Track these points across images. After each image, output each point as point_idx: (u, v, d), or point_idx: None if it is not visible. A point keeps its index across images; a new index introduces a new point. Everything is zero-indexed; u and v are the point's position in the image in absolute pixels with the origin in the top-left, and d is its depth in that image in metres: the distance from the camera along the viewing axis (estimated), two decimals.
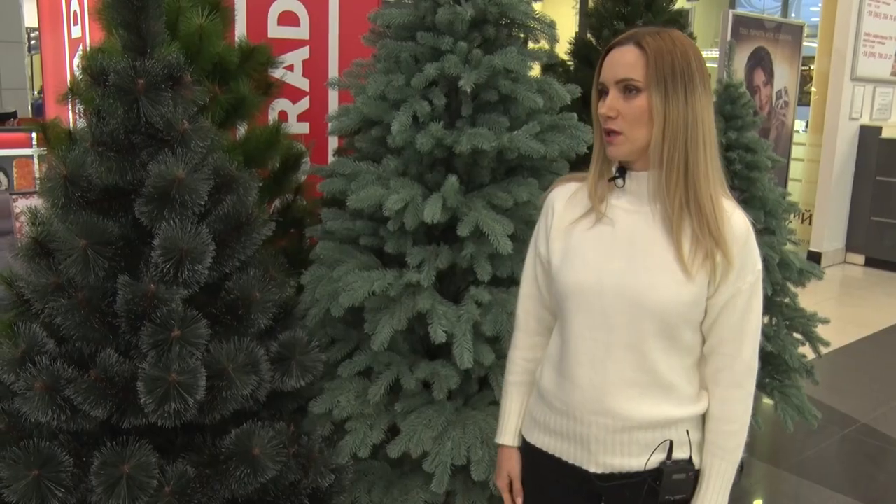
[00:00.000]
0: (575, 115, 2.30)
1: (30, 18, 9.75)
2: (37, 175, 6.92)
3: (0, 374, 1.57)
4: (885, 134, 7.69)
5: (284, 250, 2.62)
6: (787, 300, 3.63)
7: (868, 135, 7.77)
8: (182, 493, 1.54)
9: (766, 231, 3.61)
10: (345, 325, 2.28)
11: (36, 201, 3.12)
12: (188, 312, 1.55)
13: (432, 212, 2.01)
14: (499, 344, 2.09)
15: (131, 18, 1.57)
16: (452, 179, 2.07)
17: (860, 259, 8.02)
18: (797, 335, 3.71)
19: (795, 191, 7.93)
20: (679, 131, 1.47)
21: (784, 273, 3.58)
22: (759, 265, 1.53)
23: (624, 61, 1.49)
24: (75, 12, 3.38)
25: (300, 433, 1.78)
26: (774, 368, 3.66)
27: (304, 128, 3.07)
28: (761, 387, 3.68)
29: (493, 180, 2.24)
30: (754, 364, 1.57)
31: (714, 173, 1.50)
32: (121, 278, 1.55)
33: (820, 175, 7.73)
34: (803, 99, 8.15)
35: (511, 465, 1.76)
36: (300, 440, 1.76)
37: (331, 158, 3.05)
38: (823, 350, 3.78)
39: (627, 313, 1.52)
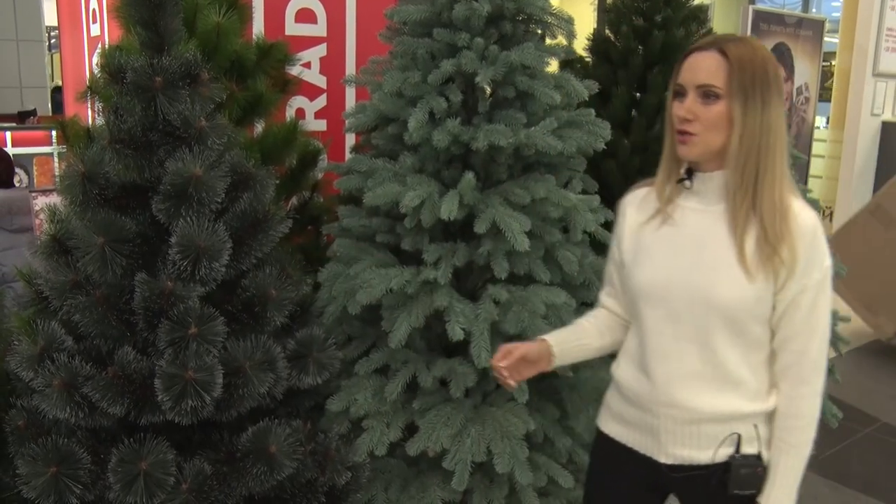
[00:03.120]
0: (592, 111, 2.28)
1: (50, 17, 9.81)
2: (56, 173, 6.98)
3: (19, 371, 1.58)
4: None
5: (301, 247, 2.62)
6: None
7: (890, 131, 7.68)
8: (199, 490, 1.54)
9: None
10: (362, 323, 2.28)
11: (55, 199, 3.14)
12: (205, 310, 1.55)
13: (449, 209, 2.01)
14: (518, 341, 2.08)
15: (149, 16, 1.58)
16: (469, 176, 2.06)
17: None
18: None
19: (816, 188, 7.85)
20: (755, 138, 1.52)
21: None
22: (826, 262, 1.56)
23: (705, 66, 1.53)
24: (94, 11, 3.40)
25: (317, 431, 1.78)
26: None
27: (321, 125, 3.07)
28: None
29: (510, 177, 2.23)
30: (822, 361, 1.60)
31: (782, 177, 1.55)
32: (138, 276, 1.55)
33: (841, 172, 7.65)
34: (824, 95, 8.07)
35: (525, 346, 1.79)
36: (317, 438, 1.76)
37: (348, 155, 3.05)
38: (844, 348, 3.74)
39: (695, 309, 1.58)
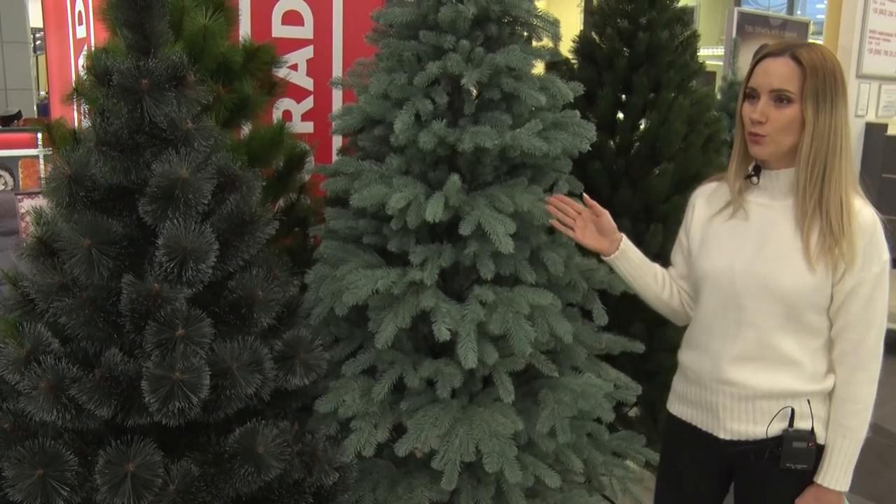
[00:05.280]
0: (577, 112, 2.29)
1: (35, 19, 9.76)
2: (42, 175, 6.93)
3: (5, 374, 1.57)
4: (891, 131, 7.64)
5: (288, 249, 2.62)
6: None
7: (874, 132, 7.73)
8: (186, 492, 1.54)
9: None
10: (348, 324, 2.28)
11: (41, 201, 3.13)
12: (192, 311, 1.55)
13: (434, 210, 2.01)
14: (503, 342, 2.09)
15: (135, 18, 1.57)
16: (454, 178, 2.07)
17: None
18: None
19: None
20: (824, 140, 1.64)
21: None
22: (885, 257, 1.68)
23: (780, 72, 1.65)
24: (80, 12, 3.39)
25: (304, 431, 1.78)
26: None
27: (308, 127, 3.07)
28: None
29: (496, 178, 2.24)
30: (879, 350, 1.72)
31: (847, 175, 1.68)
32: (125, 277, 1.55)
33: None
34: None
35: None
36: (304, 438, 1.76)
37: (335, 157, 3.05)
38: None
39: (755, 296, 1.71)
